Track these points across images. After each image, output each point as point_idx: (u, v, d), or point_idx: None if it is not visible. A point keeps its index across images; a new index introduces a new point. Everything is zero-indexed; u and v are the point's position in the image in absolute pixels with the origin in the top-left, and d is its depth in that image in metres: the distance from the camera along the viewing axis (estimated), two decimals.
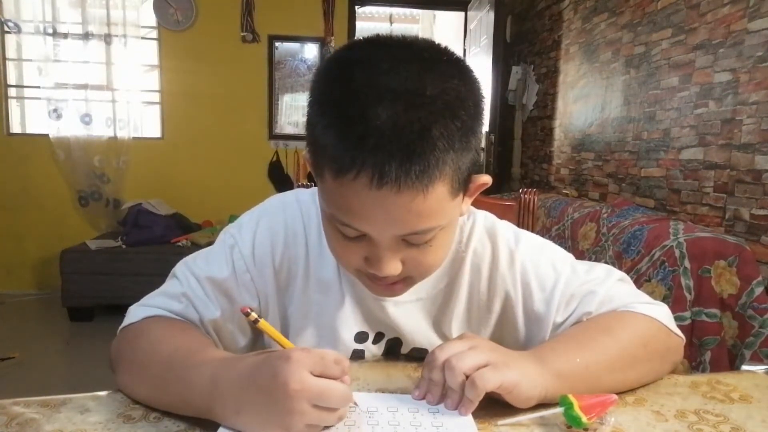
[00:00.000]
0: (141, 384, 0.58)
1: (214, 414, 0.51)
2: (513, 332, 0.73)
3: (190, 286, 0.67)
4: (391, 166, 0.49)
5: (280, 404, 0.47)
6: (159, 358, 0.58)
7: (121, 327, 0.66)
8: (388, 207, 0.51)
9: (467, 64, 0.57)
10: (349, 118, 0.50)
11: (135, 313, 0.66)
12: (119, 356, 0.64)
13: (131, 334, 0.64)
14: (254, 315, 0.54)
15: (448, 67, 0.54)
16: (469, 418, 0.53)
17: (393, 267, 0.57)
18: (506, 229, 0.75)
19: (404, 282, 0.62)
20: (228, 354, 0.58)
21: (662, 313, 0.68)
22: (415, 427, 0.52)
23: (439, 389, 0.55)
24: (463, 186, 0.57)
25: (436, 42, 0.57)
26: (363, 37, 0.57)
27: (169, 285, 0.69)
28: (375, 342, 0.74)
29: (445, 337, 0.74)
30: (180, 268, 0.70)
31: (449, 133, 0.51)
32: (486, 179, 0.62)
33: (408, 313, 0.72)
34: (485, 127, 3.75)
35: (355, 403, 0.54)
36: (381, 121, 0.49)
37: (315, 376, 0.48)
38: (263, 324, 0.55)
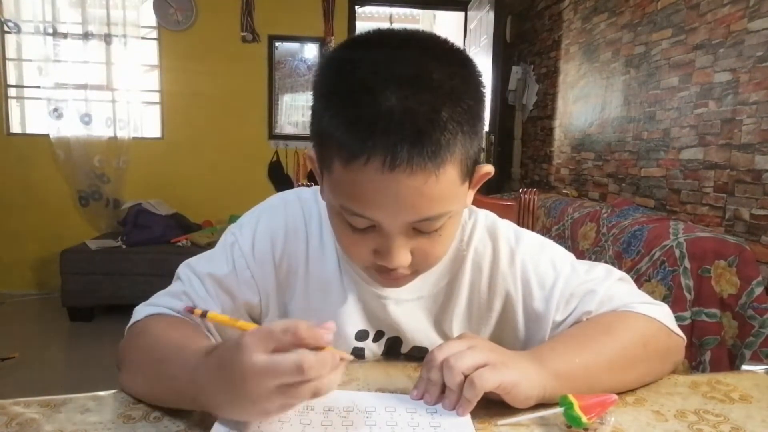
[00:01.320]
0: (139, 380, 0.59)
1: (202, 405, 0.51)
2: (513, 331, 0.73)
3: (192, 284, 0.68)
4: (403, 147, 0.49)
5: (245, 393, 0.46)
6: (155, 353, 0.58)
7: (127, 326, 0.67)
8: (401, 190, 0.51)
9: (468, 54, 0.57)
10: (356, 104, 0.50)
11: (139, 311, 0.67)
12: (123, 354, 0.64)
13: (134, 333, 0.65)
14: (199, 310, 0.53)
15: (451, 55, 0.55)
16: (467, 418, 0.53)
17: (403, 257, 0.57)
18: (507, 227, 0.75)
19: (409, 275, 0.62)
20: (209, 346, 0.56)
21: (662, 312, 0.68)
22: (412, 427, 0.52)
23: (438, 389, 0.55)
24: (469, 173, 0.57)
25: (436, 33, 0.57)
26: (364, 32, 0.57)
27: (172, 285, 0.71)
28: (375, 340, 0.74)
29: (445, 336, 0.74)
30: (182, 268, 0.71)
31: (458, 116, 0.51)
32: (489, 168, 0.62)
33: (409, 312, 0.72)
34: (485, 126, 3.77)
35: (344, 356, 0.49)
36: (390, 104, 0.49)
37: (271, 353, 0.45)
38: (212, 315, 0.53)
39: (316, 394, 0.46)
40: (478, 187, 0.64)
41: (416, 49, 0.53)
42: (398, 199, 0.52)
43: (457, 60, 0.54)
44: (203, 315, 0.53)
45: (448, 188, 0.53)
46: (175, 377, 0.53)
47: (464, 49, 0.58)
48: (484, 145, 3.96)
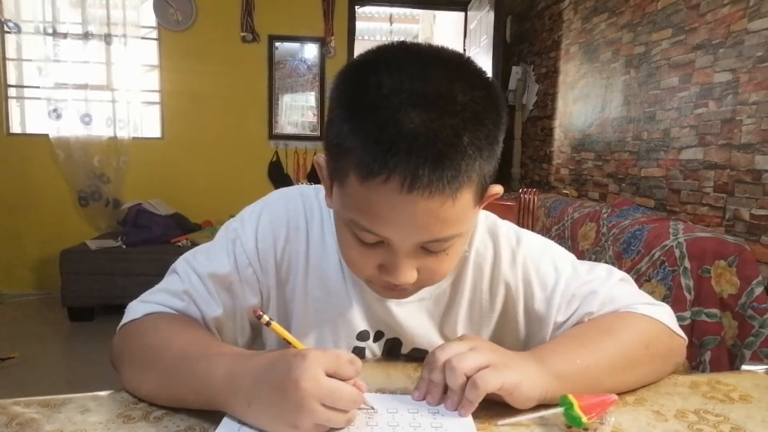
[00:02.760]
0: (149, 377, 0.58)
1: (227, 405, 0.52)
2: (513, 332, 0.73)
3: (192, 283, 0.67)
4: (425, 170, 0.49)
5: (290, 401, 0.47)
6: (171, 351, 0.58)
7: (122, 323, 0.66)
8: (416, 212, 0.51)
9: (489, 75, 0.57)
10: (380, 121, 0.50)
11: (136, 309, 0.65)
12: (125, 351, 0.63)
13: (136, 330, 0.64)
14: (266, 317, 0.55)
15: (474, 76, 0.55)
16: (469, 419, 0.53)
17: (409, 275, 0.57)
18: (507, 228, 0.75)
19: (412, 288, 0.62)
20: (244, 350, 0.58)
21: (664, 313, 0.68)
22: (414, 428, 0.52)
23: (440, 390, 0.55)
24: (482, 194, 0.57)
25: (462, 53, 0.57)
26: (388, 43, 0.57)
27: (169, 282, 0.69)
28: (375, 341, 0.74)
29: (447, 338, 0.74)
30: (180, 264, 0.69)
31: (478, 140, 0.51)
32: (498, 189, 0.61)
33: (411, 314, 0.72)
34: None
35: (373, 408, 0.54)
36: (414, 125, 0.49)
37: (329, 375, 0.49)
38: (275, 326, 0.55)
39: (342, 427, 0.50)
40: (484, 206, 0.64)
41: (442, 69, 0.53)
42: (413, 220, 0.52)
43: (481, 83, 0.54)
44: (267, 324, 0.55)
45: (462, 211, 0.53)
46: (200, 375, 0.53)
47: (486, 72, 0.57)
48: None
